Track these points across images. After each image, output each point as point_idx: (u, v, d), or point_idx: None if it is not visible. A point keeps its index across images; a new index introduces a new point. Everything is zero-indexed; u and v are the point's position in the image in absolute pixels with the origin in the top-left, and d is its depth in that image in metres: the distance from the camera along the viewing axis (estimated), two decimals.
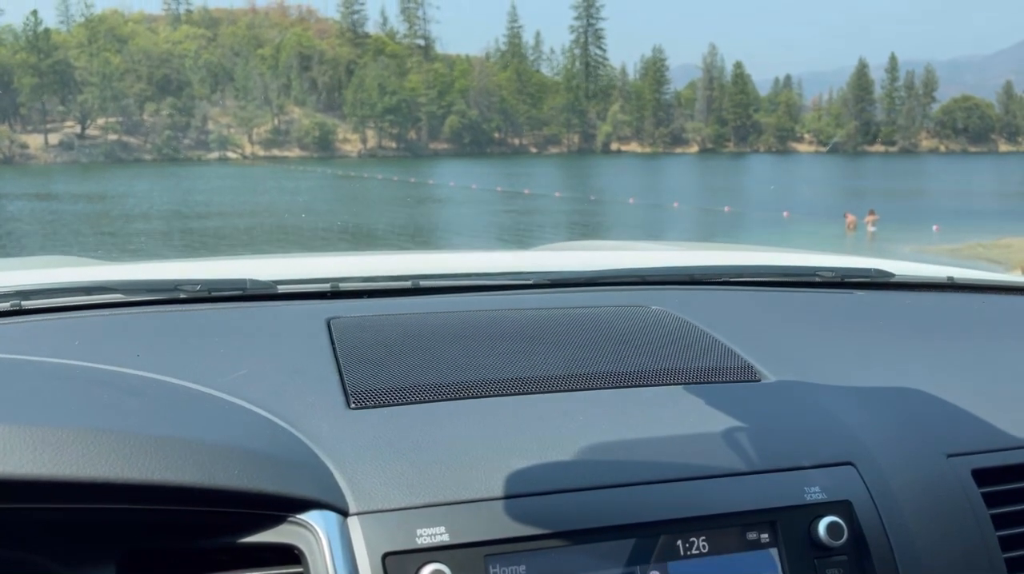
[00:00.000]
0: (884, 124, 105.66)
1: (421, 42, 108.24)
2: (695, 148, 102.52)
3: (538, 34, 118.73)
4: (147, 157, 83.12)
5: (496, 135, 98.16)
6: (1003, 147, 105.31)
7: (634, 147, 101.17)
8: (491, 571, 0.86)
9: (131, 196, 38.82)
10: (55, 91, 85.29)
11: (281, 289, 1.36)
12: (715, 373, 1.15)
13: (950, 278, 1.67)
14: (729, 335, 1.27)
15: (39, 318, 1.23)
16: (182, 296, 1.31)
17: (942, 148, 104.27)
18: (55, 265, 1.75)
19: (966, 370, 1.28)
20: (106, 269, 1.61)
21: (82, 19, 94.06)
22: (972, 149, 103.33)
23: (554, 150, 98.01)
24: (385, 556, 0.84)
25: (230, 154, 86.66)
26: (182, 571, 0.84)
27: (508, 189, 40.48)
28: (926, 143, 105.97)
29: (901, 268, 1.70)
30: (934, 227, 22.02)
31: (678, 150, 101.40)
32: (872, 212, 23.08)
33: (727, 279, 1.57)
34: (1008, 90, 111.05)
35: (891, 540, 0.97)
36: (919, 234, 21.02)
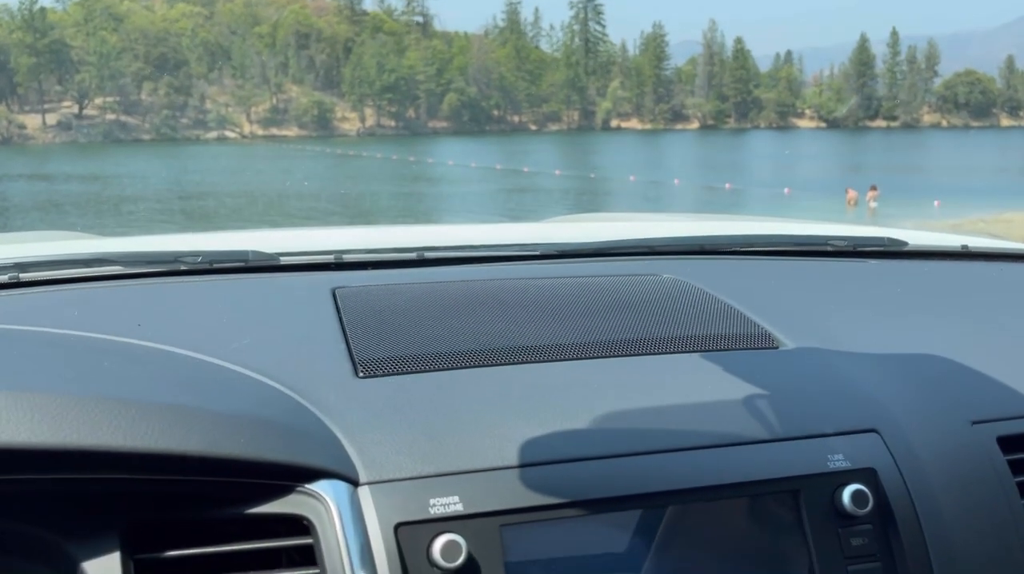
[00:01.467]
0: (886, 99, 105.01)
1: (419, 19, 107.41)
2: (696, 124, 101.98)
3: (537, 10, 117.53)
4: (145, 137, 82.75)
5: (495, 113, 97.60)
6: (1005, 122, 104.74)
7: (634, 124, 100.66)
8: (506, 541, 0.84)
9: (130, 176, 38.67)
10: (52, 71, 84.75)
11: (284, 261, 1.34)
12: (732, 340, 1.13)
13: (964, 246, 1.65)
14: (744, 303, 1.24)
15: (37, 290, 1.21)
16: (182, 268, 1.28)
17: (944, 123, 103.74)
18: (52, 239, 1.73)
19: (986, 337, 1.26)
20: (104, 242, 1.59)
21: None
22: (974, 124, 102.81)
23: (554, 127, 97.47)
24: (397, 526, 0.83)
25: (228, 133, 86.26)
26: (188, 543, 0.82)
27: (507, 167, 40.30)
28: (928, 118, 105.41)
29: (914, 237, 1.67)
30: (935, 202, 21.93)
31: (678, 126, 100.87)
32: (873, 187, 22.97)
33: (738, 249, 1.55)
34: (1010, 64, 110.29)
35: (917, 508, 0.95)
36: (920, 209, 20.95)
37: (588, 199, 27.26)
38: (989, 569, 0.96)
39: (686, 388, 1.01)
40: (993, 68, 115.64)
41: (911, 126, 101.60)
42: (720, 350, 1.10)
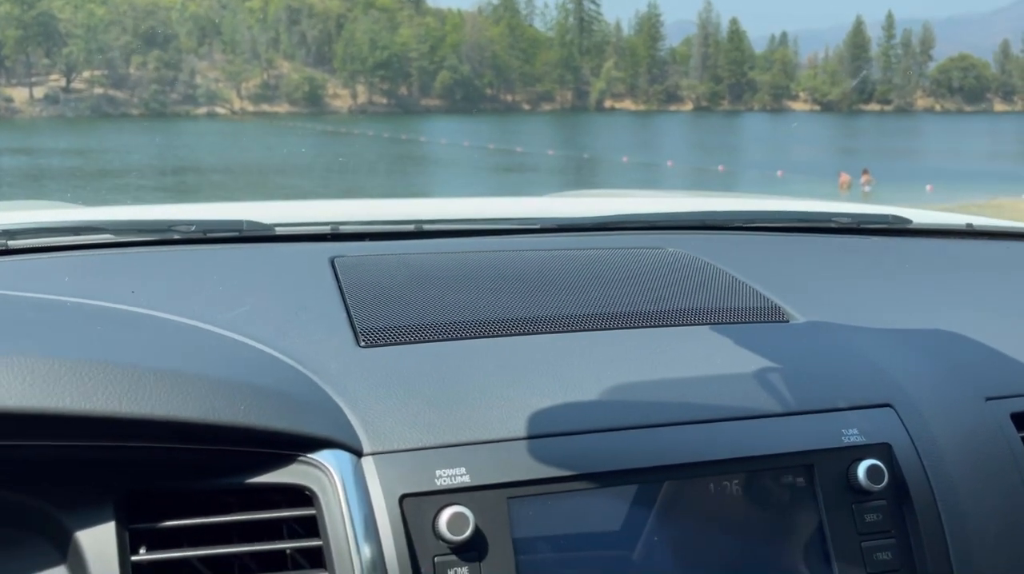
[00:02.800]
0: (880, 82, 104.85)
1: None
2: (690, 106, 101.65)
3: None
4: (134, 111, 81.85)
5: (488, 91, 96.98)
6: (999, 107, 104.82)
7: (628, 104, 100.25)
8: (514, 513, 0.83)
9: (118, 151, 38.29)
10: (39, 43, 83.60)
11: (279, 231, 1.31)
12: (742, 313, 1.11)
13: (969, 225, 1.64)
14: (752, 276, 1.22)
15: (26, 258, 1.18)
16: (175, 237, 1.24)
17: (937, 107, 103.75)
18: (45, 207, 1.67)
19: (996, 313, 1.25)
20: (96, 211, 1.55)
21: None
22: (968, 108, 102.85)
23: (547, 107, 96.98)
24: (403, 498, 0.81)
25: (218, 109, 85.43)
26: (185, 513, 0.80)
27: (500, 146, 40.11)
28: (921, 102, 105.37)
29: (918, 215, 1.65)
30: (928, 187, 21.97)
31: (672, 107, 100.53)
32: (866, 171, 22.97)
33: (741, 224, 1.53)
34: (1005, 49, 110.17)
35: (932, 484, 0.94)
36: (913, 194, 20.96)
37: (581, 179, 27.17)
38: (1003, 544, 0.95)
39: (697, 361, 0.99)
40: (988, 53, 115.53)
41: (905, 110, 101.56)
42: (731, 323, 1.08)
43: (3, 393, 0.72)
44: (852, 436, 0.94)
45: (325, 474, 0.81)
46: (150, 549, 0.78)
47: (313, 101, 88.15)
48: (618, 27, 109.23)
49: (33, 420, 0.73)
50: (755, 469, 0.90)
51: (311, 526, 0.81)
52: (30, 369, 0.74)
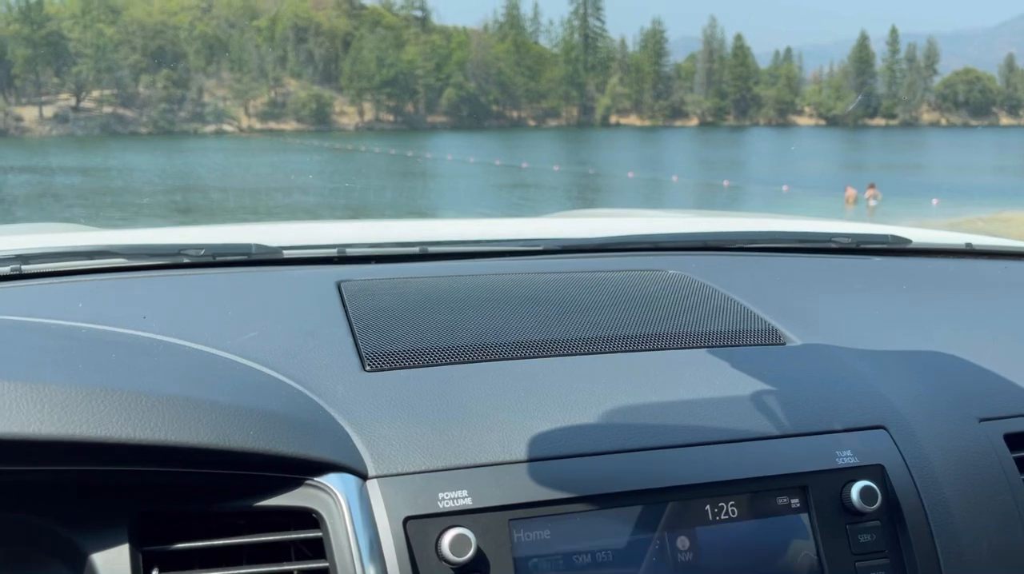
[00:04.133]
0: (885, 97, 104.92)
1: (418, 13, 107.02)
2: (695, 121, 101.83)
3: (536, 5, 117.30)
4: (143, 130, 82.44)
5: (494, 108, 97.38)
6: (1004, 120, 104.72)
7: (633, 120, 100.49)
8: (515, 535, 0.84)
9: (127, 169, 38.55)
10: (49, 63, 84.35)
11: (287, 254, 1.33)
12: (739, 336, 1.12)
13: (968, 244, 1.64)
14: (750, 299, 1.24)
15: (40, 282, 1.20)
16: (186, 261, 1.27)
17: (943, 121, 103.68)
18: (57, 231, 1.71)
19: (992, 335, 1.25)
20: (107, 234, 1.58)
21: None
22: (973, 122, 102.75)
23: (553, 123, 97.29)
24: (406, 520, 0.82)
25: (226, 127, 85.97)
26: (197, 535, 0.81)
27: (506, 162, 40.23)
28: (927, 116, 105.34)
29: (917, 235, 1.67)
30: (934, 201, 21.94)
31: (678, 123, 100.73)
32: (872, 186, 22.95)
33: (742, 245, 1.55)
34: (1010, 63, 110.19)
35: (925, 505, 0.95)
36: (918, 208, 20.93)
37: (586, 195, 27.22)
38: (996, 565, 0.95)
39: (694, 384, 1.00)
40: (992, 67, 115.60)
41: (910, 124, 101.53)
42: (728, 346, 1.10)
43: (24, 420, 0.73)
44: (846, 458, 0.94)
45: (331, 497, 0.82)
46: (163, 571, 0.80)
47: (320, 118, 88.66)
48: (623, 44, 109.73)
49: (51, 446, 0.75)
50: (751, 490, 0.91)
51: (318, 548, 0.82)
52: (48, 397, 0.75)
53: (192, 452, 0.79)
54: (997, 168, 40.32)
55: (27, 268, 1.20)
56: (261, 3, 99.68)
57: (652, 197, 26.73)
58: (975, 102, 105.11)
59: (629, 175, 33.68)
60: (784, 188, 25.56)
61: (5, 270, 1.20)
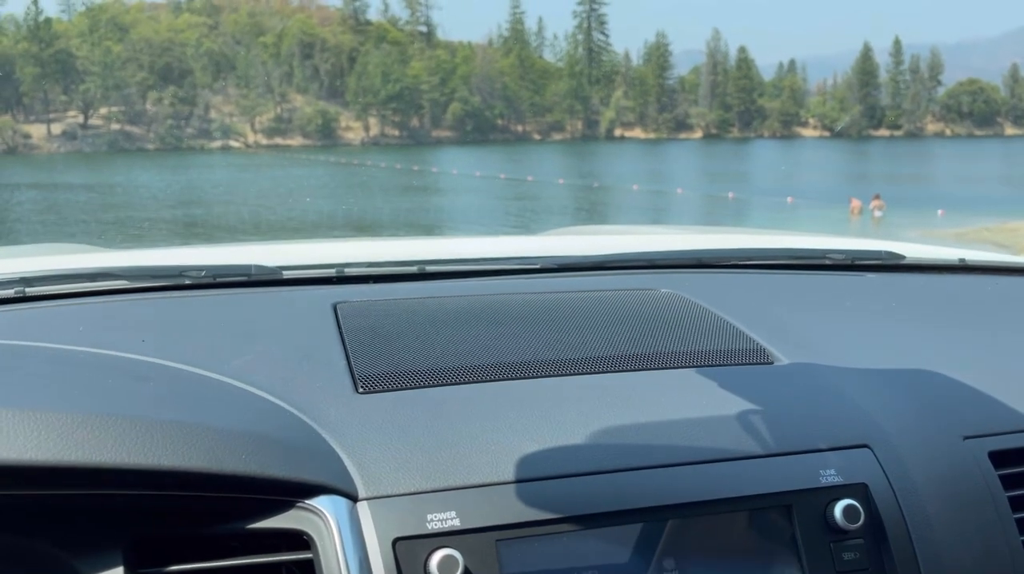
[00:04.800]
0: (889, 108, 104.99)
1: (423, 29, 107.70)
2: (699, 134, 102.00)
3: (540, 20, 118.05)
4: (150, 146, 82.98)
5: (499, 122, 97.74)
6: (1009, 130, 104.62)
7: (638, 133, 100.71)
8: (502, 556, 0.85)
9: (134, 185, 38.78)
10: (57, 80, 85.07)
11: (286, 274, 1.35)
12: (728, 355, 1.13)
13: (962, 260, 1.65)
14: (740, 318, 1.25)
15: (42, 305, 1.22)
16: (186, 282, 1.29)
17: (948, 132, 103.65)
18: (58, 252, 1.74)
19: (980, 352, 1.26)
20: (109, 255, 1.60)
21: (83, 8, 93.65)
22: (978, 133, 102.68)
23: (557, 137, 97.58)
24: (395, 541, 0.83)
25: (233, 143, 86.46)
26: (190, 557, 0.82)
27: (511, 176, 40.35)
28: (931, 127, 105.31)
29: (912, 250, 1.68)
30: (939, 211, 21.88)
31: (682, 136, 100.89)
32: (877, 197, 22.94)
33: (736, 262, 1.55)
34: (1014, 73, 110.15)
35: (908, 523, 0.96)
36: (924, 219, 20.90)
37: (591, 208, 27.27)
38: None
39: (681, 404, 1.02)
40: (996, 77, 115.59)
41: (915, 135, 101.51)
42: (715, 365, 1.11)
43: (21, 446, 0.75)
44: (830, 476, 0.95)
45: (322, 519, 0.83)
46: None
47: (326, 134, 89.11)
48: (627, 57, 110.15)
49: (47, 471, 0.76)
50: (736, 510, 0.92)
51: (309, 569, 0.83)
52: (45, 424, 0.77)
53: (186, 476, 0.80)
54: (1003, 178, 40.23)
55: (30, 291, 1.23)
56: (267, 20, 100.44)
57: (656, 209, 26.76)
58: (980, 112, 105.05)
59: (634, 188, 33.73)
60: (789, 200, 25.56)
61: (9, 293, 1.22)
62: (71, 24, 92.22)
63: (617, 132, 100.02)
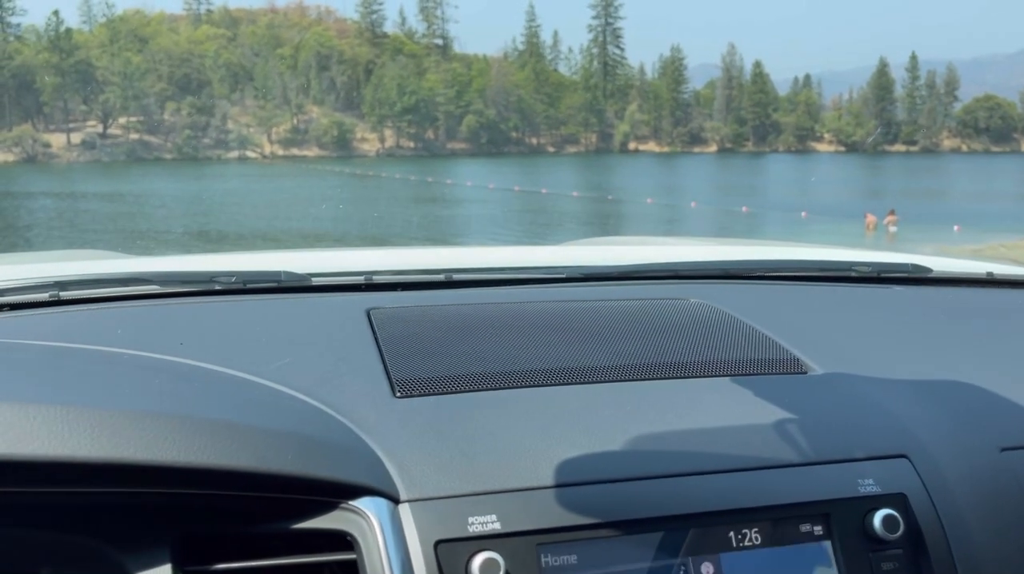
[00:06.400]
0: (905, 123, 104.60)
1: (439, 42, 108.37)
2: (714, 148, 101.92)
3: (556, 33, 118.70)
4: (168, 156, 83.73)
5: (514, 134, 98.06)
6: None
7: (652, 146, 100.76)
8: (543, 560, 0.85)
9: (153, 195, 39.14)
10: (77, 90, 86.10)
11: (316, 281, 1.36)
12: (761, 365, 1.14)
13: (989, 273, 1.66)
14: (771, 328, 1.26)
15: (77, 308, 1.23)
16: (217, 288, 1.30)
17: (964, 148, 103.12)
18: (87, 258, 1.78)
19: (1013, 364, 1.26)
20: (138, 261, 1.62)
21: (104, 19, 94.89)
22: (994, 149, 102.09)
23: (572, 149, 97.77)
24: (437, 543, 0.84)
25: (249, 153, 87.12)
26: (236, 556, 0.84)
27: (526, 188, 40.45)
28: (948, 143, 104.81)
29: (937, 263, 1.68)
30: (955, 227, 21.78)
31: (696, 149, 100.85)
32: (892, 212, 22.87)
33: (762, 274, 1.56)
34: None
35: (947, 534, 0.96)
36: (940, 234, 20.80)
37: (605, 221, 27.29)
38: None
39: (717, 412, 1.02)
40: (1013, 93, 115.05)
41: (931, 151, 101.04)
42: (750, 374, 1.11)
43: (75, 444, 0.76)
44: (868, 486, 0.95)
45: (365, 520, 0.84)
46: None
47: (342, 145, 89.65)
48: (642, 71, 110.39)
49: (99, 469, 0.77)
50: (774, 518, 0.92)
51: (352, 569, 0.84)
52: (96, 421, 0.78)
53: (232, 475, 0.81)
54: (1020, 195, 39.98)
55: (65, 294, 1.23)
56: (285, 32, 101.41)
57: (671, 222, 26.75)
58: (996, 128, 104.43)
59: (648, 201, 33.75)
60: (803, 214, 25.50)
61: (44, 296, 1.22)
62: (92, 35, 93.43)
63: (631, 145, 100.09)
